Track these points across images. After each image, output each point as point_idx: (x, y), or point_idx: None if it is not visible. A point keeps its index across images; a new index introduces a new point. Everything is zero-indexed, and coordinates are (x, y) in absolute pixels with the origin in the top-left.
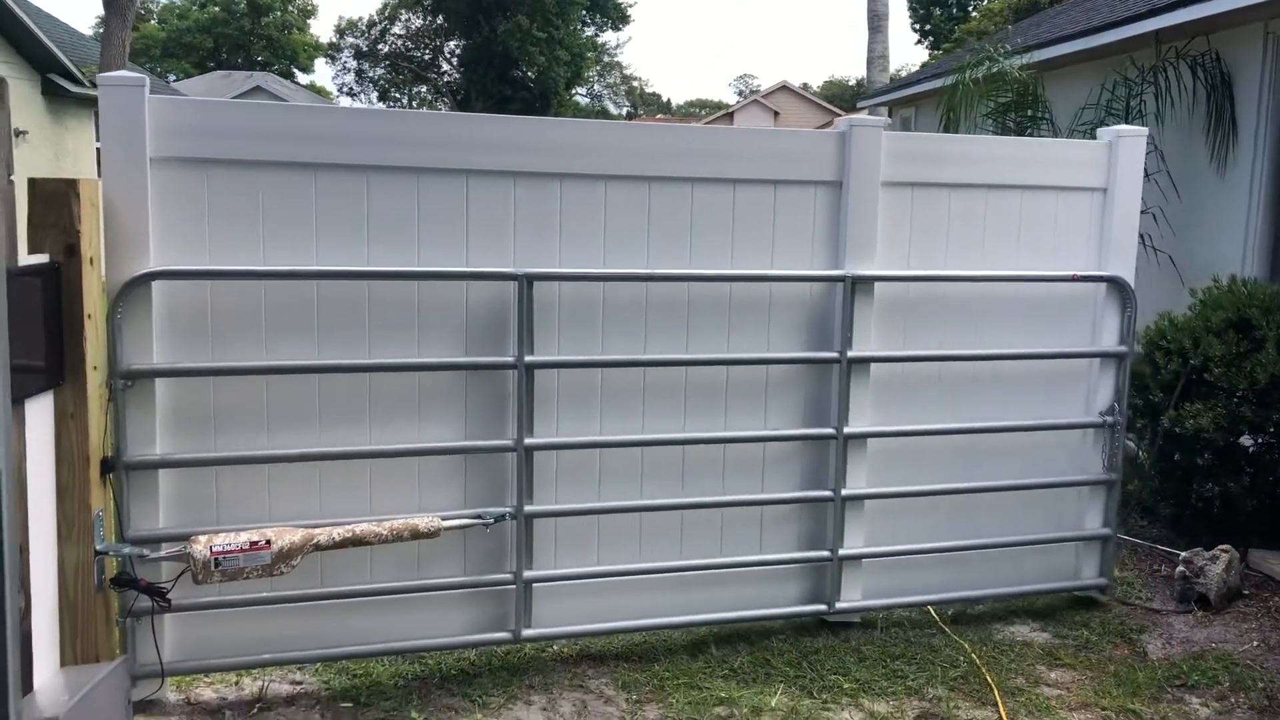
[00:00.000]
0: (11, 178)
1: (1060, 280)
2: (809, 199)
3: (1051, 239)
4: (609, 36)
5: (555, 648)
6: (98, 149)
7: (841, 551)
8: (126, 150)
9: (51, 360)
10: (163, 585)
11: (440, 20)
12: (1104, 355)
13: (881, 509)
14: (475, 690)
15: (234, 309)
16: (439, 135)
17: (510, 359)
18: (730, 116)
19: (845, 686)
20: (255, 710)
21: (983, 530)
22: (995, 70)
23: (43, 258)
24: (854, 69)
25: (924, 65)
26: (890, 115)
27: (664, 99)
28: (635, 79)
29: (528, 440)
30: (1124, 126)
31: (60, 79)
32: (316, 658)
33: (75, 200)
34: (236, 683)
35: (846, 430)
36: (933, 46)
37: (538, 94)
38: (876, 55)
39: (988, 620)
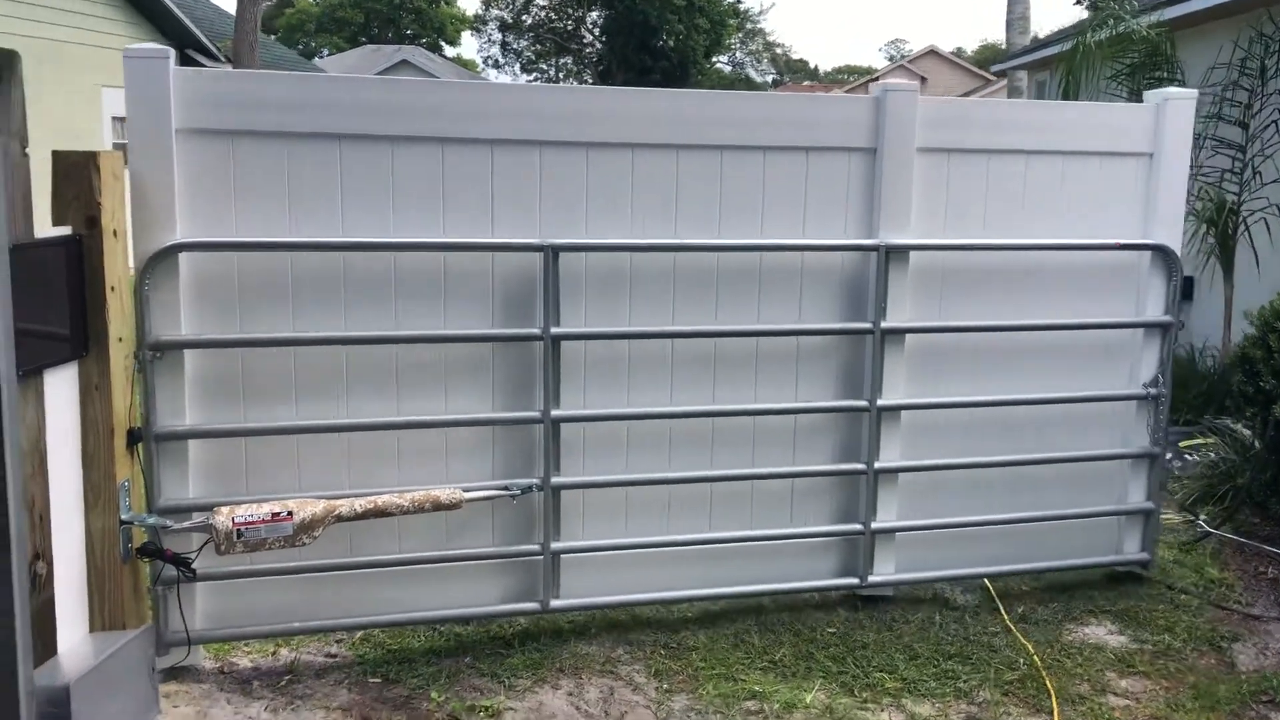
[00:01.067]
0: (26, 150)
1: (1103, 248)
2: (842, 166)
3: (1094, 206)
4: (752, 2)
5: (593, 631)
6: (116, 119)
7: (874, 525)
8: (153, 122)
9: (75, 332)
10: (187, 555)
11: None
12: (1148, 325)
13: (916, 483)
14: (504, 670)
15: (261, 280)
16: (464, 106)
17: (536, 331)
18: (875, 83)
19: (889, 685)
20: (285, 681)
21: (1020, 504)
22: (1122, 30)
23: (65, 230)
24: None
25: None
26: (1027, 80)
27: (811, 65)
28: (779, 45)
29: (555, 412)
30: (1172, 89)
31: (197, 54)
32: (345, 626)
33: (96, 173)
34: (273, 653)
35: (880, 402)
36: (1091, 7)
37: (677, 63)
38: (1016, 16)
39: (1060, 619)
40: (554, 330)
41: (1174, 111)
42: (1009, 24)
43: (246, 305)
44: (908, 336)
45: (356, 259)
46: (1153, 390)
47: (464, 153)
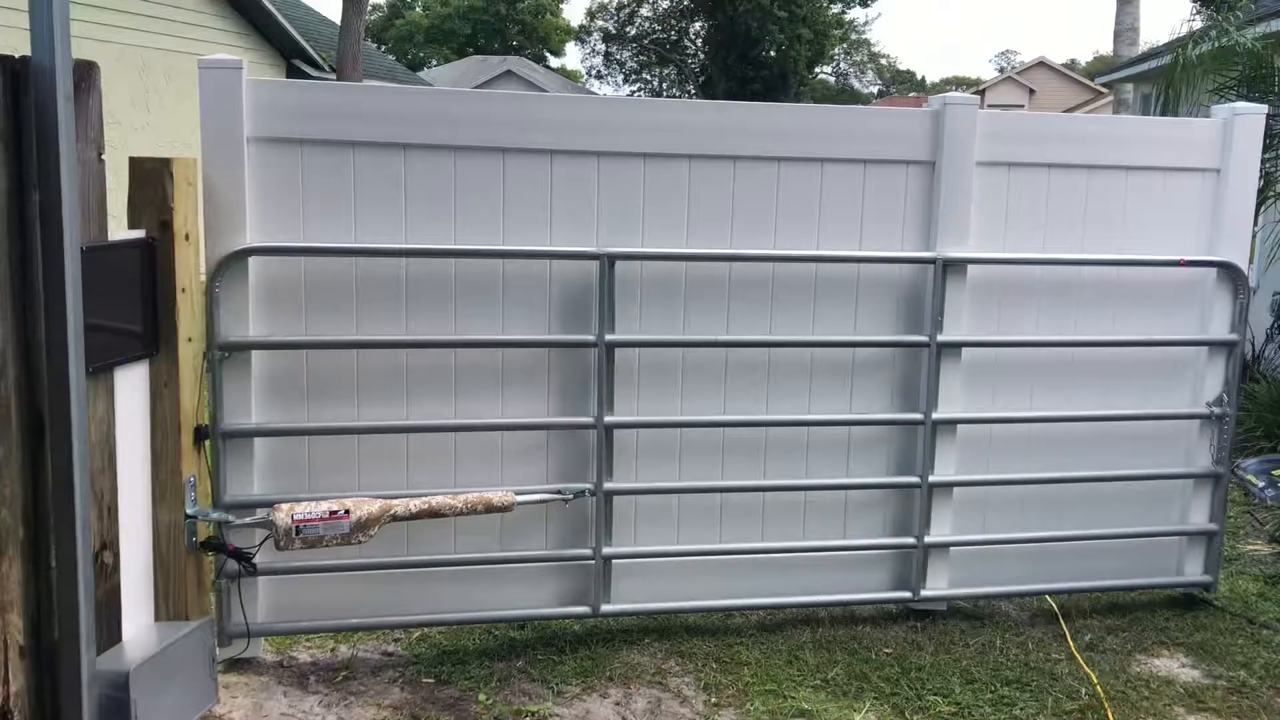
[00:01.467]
0: (102, 157)
1: (1167, 264)
2: (900, 179)
3: (1158, 221)
4: (857, 13)
5: (646, 640)
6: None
7: (927, 539)
8: (225, 130)
9: (146, 331)
10: (248, 550)
11: (686, 1)
12: (1213, 344)
13: (971, 497)
14: (554, 676)
15: (326, 283)
16: (525, 116)
17: (591, 338)
18: (981, 95)
19: (942, 709)
20: (340, 677)
21: (1077, 522)
22: (1225, 43)
23: (139, 233)
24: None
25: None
26: (1133, 92)
27: (918, 76)
28: (884, 56)
29: (608, 418)
30: (1241, 104)
31: (303, 64)
32: (400, 624)
33: (169, 178)
34: (332, 650)
35: (935, 416)
36: (1209, 16)
37: (778, 74)
38: (1125, 28)
39: (1129, 649)
40: (608, 337)
41: (1242, 127)
42: (1117, 35)
43: (312, 308)
44: (964, 350)
45: (418, 264)
46: (1217, 409)
47: (523, 162)
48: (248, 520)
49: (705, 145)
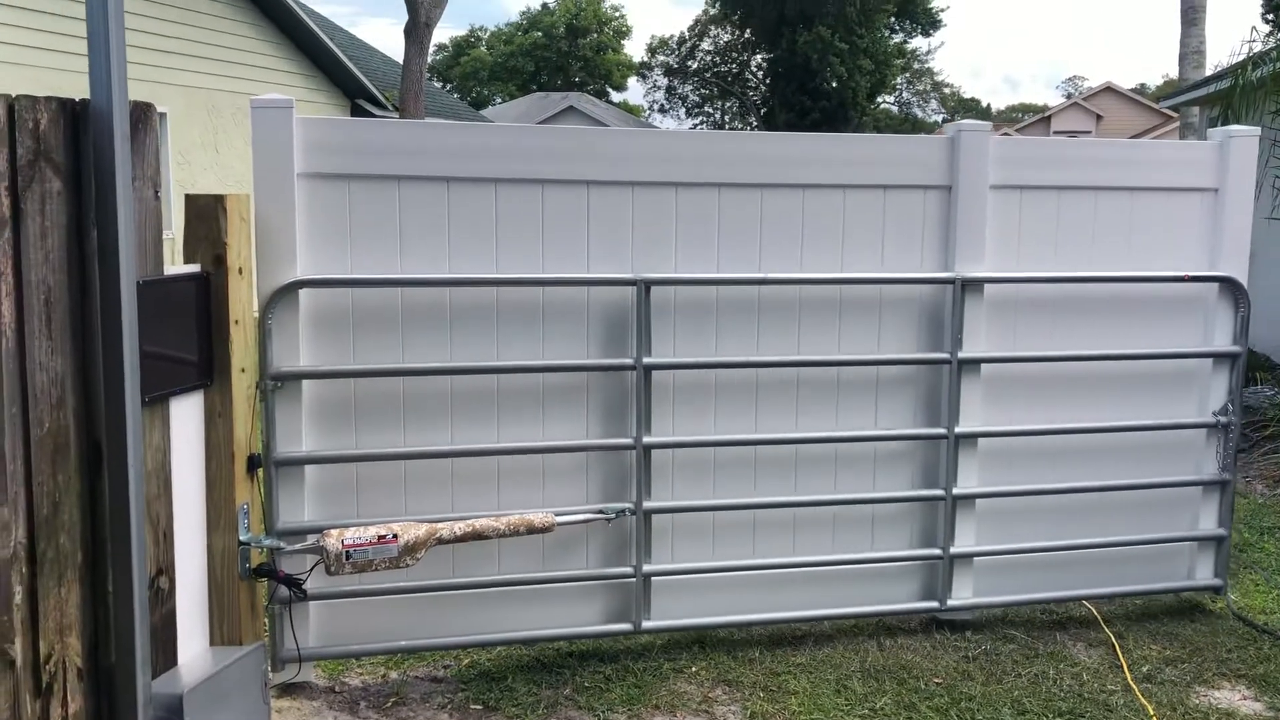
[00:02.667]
0: (158, 194)
1: (1171, 280)
2: (918, 202)
3: (1162, 239)
4: (919, 42)
5: (694, 669)
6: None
7: (953, 550)
8: (277, 167)
9: (201, 362)
10: (299, 576)
11: (747, 34)
12: (1217, 355)
13: (992, 508)
14: (601, 704)
15: (374, 312)
16: (562, 149)
17: (630, 361)
18: (1047, 121)
19: None
20: (390, 703)
21: (1094, 530)
22: None
23: (194, 267)
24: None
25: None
26: (1200, 115)
27: (983, 104)
28: (948, 85)
29: (646, 439)
30: (1236, 127)
31: (367, 103)
32: (447, 645)
33: (223, 214)
34: (383, 676)
35: (957, 430)
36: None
37: (837, 104)
38: (1190, 50)
39: (1188, 680)
40: (646, 360)
41: (1238, 148)
42: (1182, 58)
43: (360, 336)
44: (983, 365)
45: (462, 293)
46: (1222, 418)
47: (562, 193)
48: (299, 546)
49: (733, 174)
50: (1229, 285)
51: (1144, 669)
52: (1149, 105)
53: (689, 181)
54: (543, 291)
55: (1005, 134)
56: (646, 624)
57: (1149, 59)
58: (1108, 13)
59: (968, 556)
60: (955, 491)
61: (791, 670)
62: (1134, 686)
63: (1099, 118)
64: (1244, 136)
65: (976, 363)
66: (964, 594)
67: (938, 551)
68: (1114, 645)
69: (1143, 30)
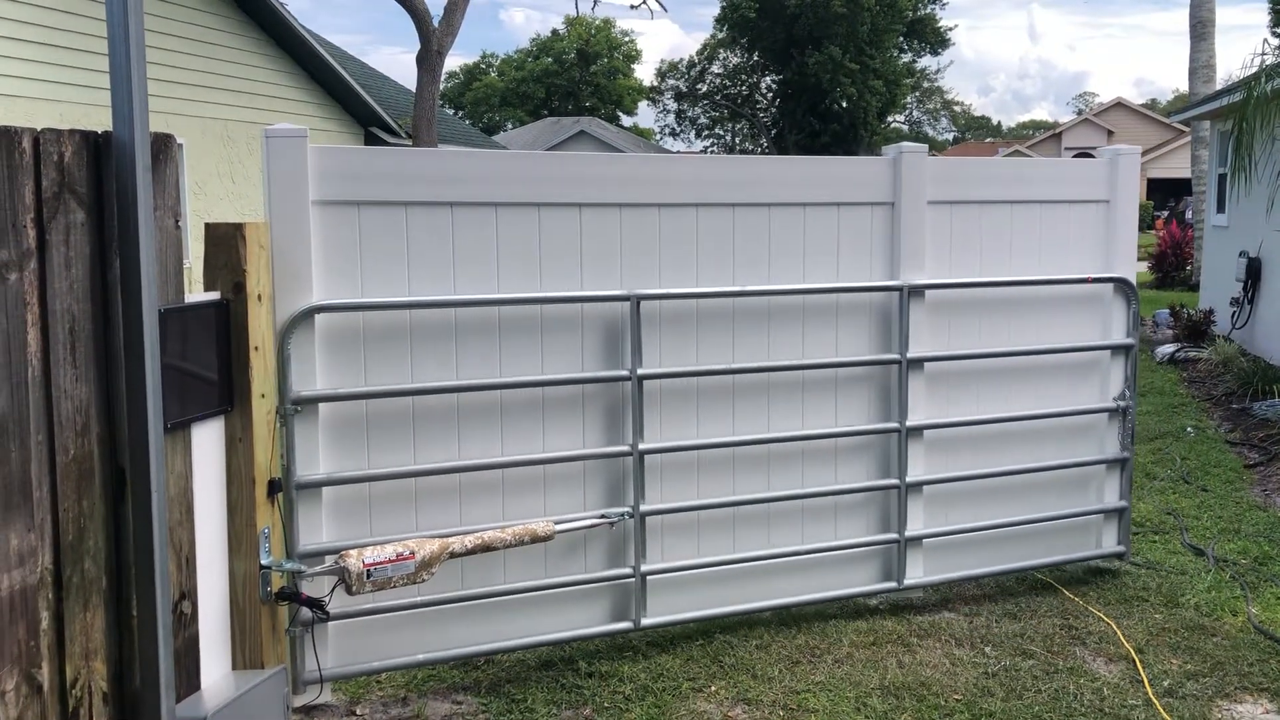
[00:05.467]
0: (179, 224)
1: (1077, 282)
2: (867, 218)
3: (1067, 246)
4: (928, 61)
5: (713, 687)
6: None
7: (907, 533)
8: (292, 195)
9: (221, 388)
10: (321, 598)
11: (756, 56)
12: (1114, 348)
13: (936, 493)
14: None
15: (383, 333)
16: (556, 173)
17: (626, 372)
18: (1058, 137)
19: None
20: None
21: (1023, 509)
22: None
23: (214, 295)
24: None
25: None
26: (1210, 129)
27: (994, 122)
28: (958, 103)
29: (641, 445)
30: (1122, 146)
31: (380, 131)
32: (460, 655)
33: (242, 242)
34: (403, 699)
35: (908, 423)
36: None
37: (847, 124)
38: (1200, 65)
39: (1210, 695)
40: (640, 371)
41: (1124, 165)
42: (1192, 72)
43: (371, 357)
44: (926, 363)
45: (466, 312)
46: (1121, 402)
47: (558, 215)
48: (320, 569)
49: (710, 195)
50: (1122, 285)
51: (1165, 683)
52: (1159, 120)
53: (671, 202)
54: (541, 308)
55: (1005, 150)
56: (645, 621)
57: (1162, 74)
58: (1118, 29)
59: (919, 539)
60: (908, 480)
61: (811, 688)
62: (1155, 701)
63: (1110, 133)
64: (1129, 154)
65: (921, 361)
66: (916, 573)
67: (894, 536)
68: (1134, 660)
69: (1154, 47)
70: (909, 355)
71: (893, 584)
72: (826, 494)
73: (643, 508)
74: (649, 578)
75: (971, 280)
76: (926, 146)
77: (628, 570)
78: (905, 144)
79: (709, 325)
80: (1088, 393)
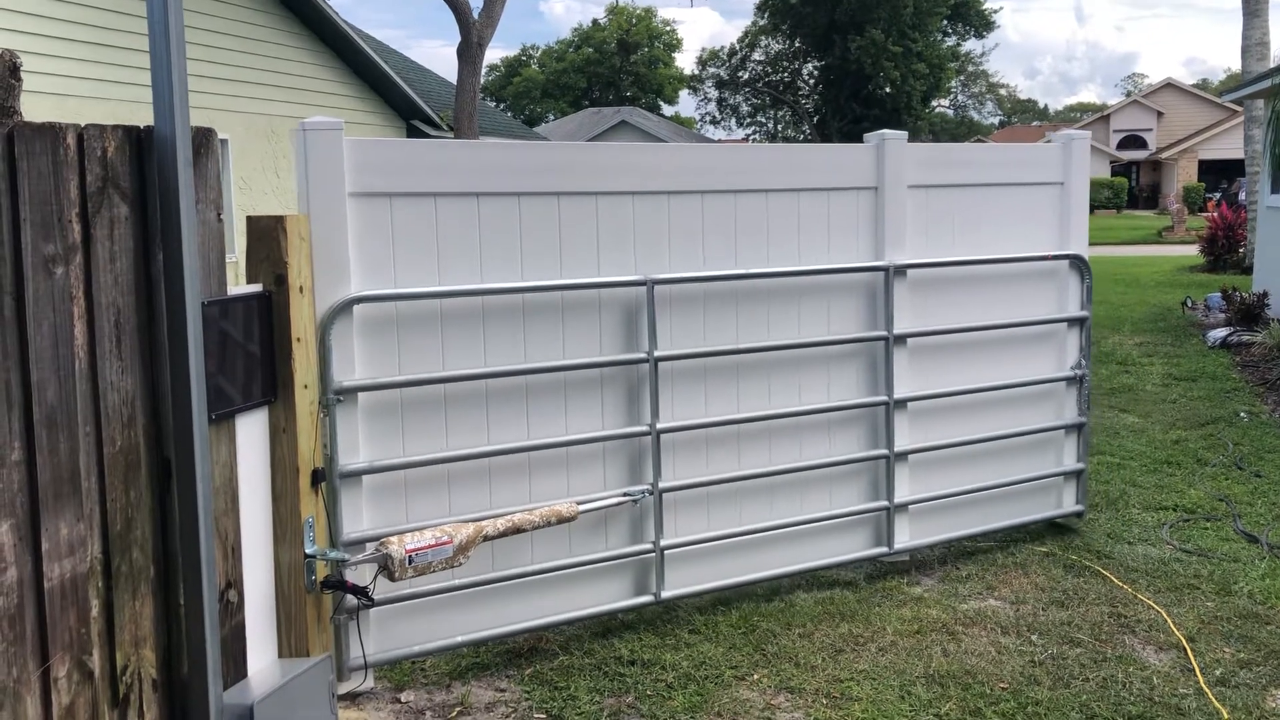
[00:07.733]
0: (221, 217)
1: (1038, 259)
2: (853, 202)
3: (1029, 224)
4: (973, 44)
5: (755, 675)
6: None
7: (895, 500)
8: (329, 187)
9: (265, 380)
10: (366, 585)
11: (798, 43)
12: (1070, 320)
13: (918, 461)
14: (664, 712)
15: (416, 321)
16: (576, 162)
17: (643, 355)
18: (1106, 120)
19: None
20: (455, 713)
21: (990, 474)
22: None
23: (256, 287)
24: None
25: None
26: (1264, 108)
27: (1040, 105)
28: (1004, 86)
29: (659, 425)
30: (1074, 130)
31: (422, 124)
32: (497, 636)
33: (283, 234)
34: (447, 686)
35: (895, 396)
36: None
37: (890, 110)
38: (1253, 42)
39: (1263, 684)
40: (656, 353)
41: (1076, 148)
42: (1245, 50)
43: (404, 345)
44: (909, 339)
45: (493, 299)
46: (1077, 371)
47: (576, 203)
48: (362, 557)
49: (714, 182)
50: (1076, 261)
51: (1217, 672)
52: (1211, 100)
53: (679, 190)
54: (563, 294)
55: (985, 139)
56: (665, 594)
57: (1214, 53)
58: (1168, 8)
59: (905, 505)
60: (896, 449)
61: (854, 677)
62: (1207, 690)
63: (1160, 114)
64: (1080, 139)
65: (905, 337)
66: (903, 538)
67: (885, 503)
68: (1185, 648)
69: (1206, 26)
70: (894, 331)
71: (884, 549)
72: (823, 466)
73: (661, 485)
74: (666, 552)
75: (949, 260)
76: (905, 134)
77: (648, 545)
78: (887, 131)
79: (714, 307)
80: (1048, 362)
